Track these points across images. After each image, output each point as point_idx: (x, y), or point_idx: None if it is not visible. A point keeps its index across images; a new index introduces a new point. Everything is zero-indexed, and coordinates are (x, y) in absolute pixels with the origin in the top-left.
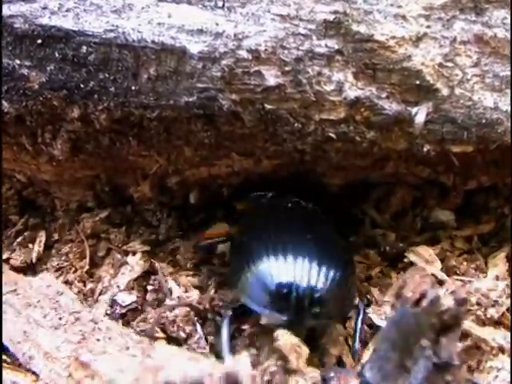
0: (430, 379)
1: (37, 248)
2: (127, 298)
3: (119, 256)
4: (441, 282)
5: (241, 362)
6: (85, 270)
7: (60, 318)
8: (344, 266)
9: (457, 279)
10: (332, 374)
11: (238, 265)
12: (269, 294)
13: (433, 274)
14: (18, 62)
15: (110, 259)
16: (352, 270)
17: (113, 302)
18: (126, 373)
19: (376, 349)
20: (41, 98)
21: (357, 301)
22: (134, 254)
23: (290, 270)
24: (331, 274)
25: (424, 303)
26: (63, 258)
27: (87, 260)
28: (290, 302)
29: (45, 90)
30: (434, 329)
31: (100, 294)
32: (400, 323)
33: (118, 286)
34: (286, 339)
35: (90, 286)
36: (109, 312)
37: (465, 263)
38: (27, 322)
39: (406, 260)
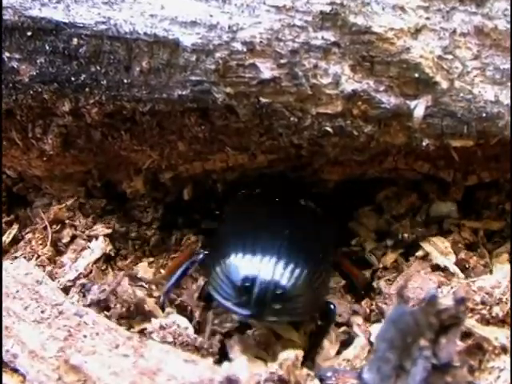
0: (429, 381)
1: (4, 239)
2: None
3: (83, 242)
4: (450, 277)
5: (238, 366)
6: (47, 256)
7: (42, 311)
8: (315, 266)
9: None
10: (330, 374)
11: (211, 256)
12: (232, 288)
13: (445, 267)
14: (7, 54)
15: (74, 245)
16: (324, 270)
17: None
18: (120, 376)
19: (374, 349)
20: (31, 92)
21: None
22: (96, 238)
23: (254, 264)
24: (297, 271)
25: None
26: (27, 247)
27: (48, 245)
28: (252, 297)
29: (35, 83)
30: (433, 329)
31: (58, 278)
32: (398, 322)
33: (77, 270)
34: (288, 360)
35: (48, 269)
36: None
37: (471, 259)
38: (7, 315)
39: (420, 252)
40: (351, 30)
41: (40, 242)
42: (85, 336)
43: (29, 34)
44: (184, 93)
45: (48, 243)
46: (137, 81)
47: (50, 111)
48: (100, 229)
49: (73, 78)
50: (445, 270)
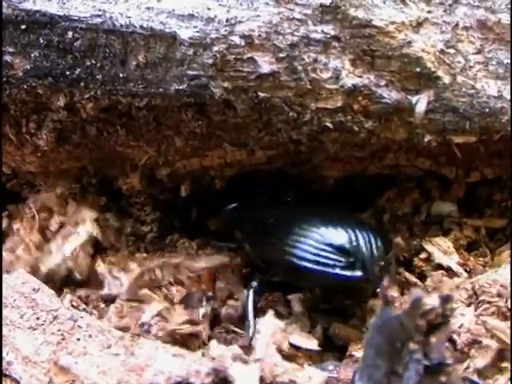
0: (423, 383)
1: None
2: None
3: (71, 228)
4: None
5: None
6: (34, 243)
7: (38, 318)
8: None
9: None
10: (331, 367)
11: (285, 236)
12: (337, 252)
13: (449, 267)
14: None
15: (62, 232)
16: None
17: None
18: (107, 375)
19: (363, 357)
20: (25, 86)
21: None
22: (84, 222)
23: (349, 230)
24: (379, 234)
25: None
26: (15, 236)
27: (36, 232)
28: (359, 257)
29: (29, 77)
30: (421, 330)
31: (46, 265)
32: (383, 328)
33: (64, 254)
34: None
35: (35, 255)
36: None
37: (469, 260)
38: (4, 325)
39: (422, 255)
40: (351, 24)
41: (28, 231)
42: (78, 339)
43: (23, 27)
44: (181, 87)
45: (35, 230)
46: (133, 75)
47: (45, 106)
48: (88, 213)
49: (68, 73)
50: (448, 269)
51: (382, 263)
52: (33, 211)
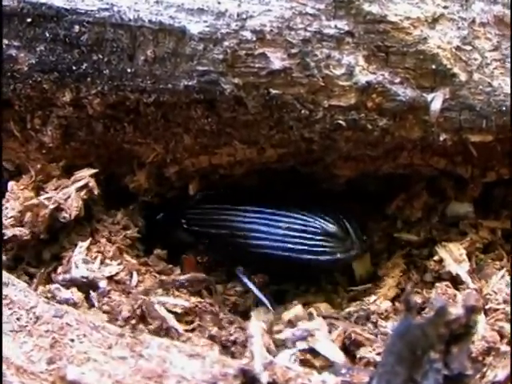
0: None
1: None
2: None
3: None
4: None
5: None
6: (26, 196)
7: (18, 319)
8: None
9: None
10: (344, 371)
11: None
12: (334, 240)
13: (457, 275)
14: (5, 42)
15: (58, 189)
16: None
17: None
18: None
19: (381, 363)
20: (30, 81)
21: None
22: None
23: (331, 218)
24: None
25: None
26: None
27: (29, 188)
28: (352, 238)
29: (34, 72)
30: (443, 340)
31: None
32: (405, 336)
33: (56, 200)
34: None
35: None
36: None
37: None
38: None
39: (436, 257)
40: (366, 19)
41: (21, 188)
42: (72, 340)
43: (28, 20)
44: (190, 83)
45: (29, 188)
46: (141, 70)
47: (50, 102)
48: (87, 170)
49: (74, 67)
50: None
51: (365, 237)
52: (32, 174)
